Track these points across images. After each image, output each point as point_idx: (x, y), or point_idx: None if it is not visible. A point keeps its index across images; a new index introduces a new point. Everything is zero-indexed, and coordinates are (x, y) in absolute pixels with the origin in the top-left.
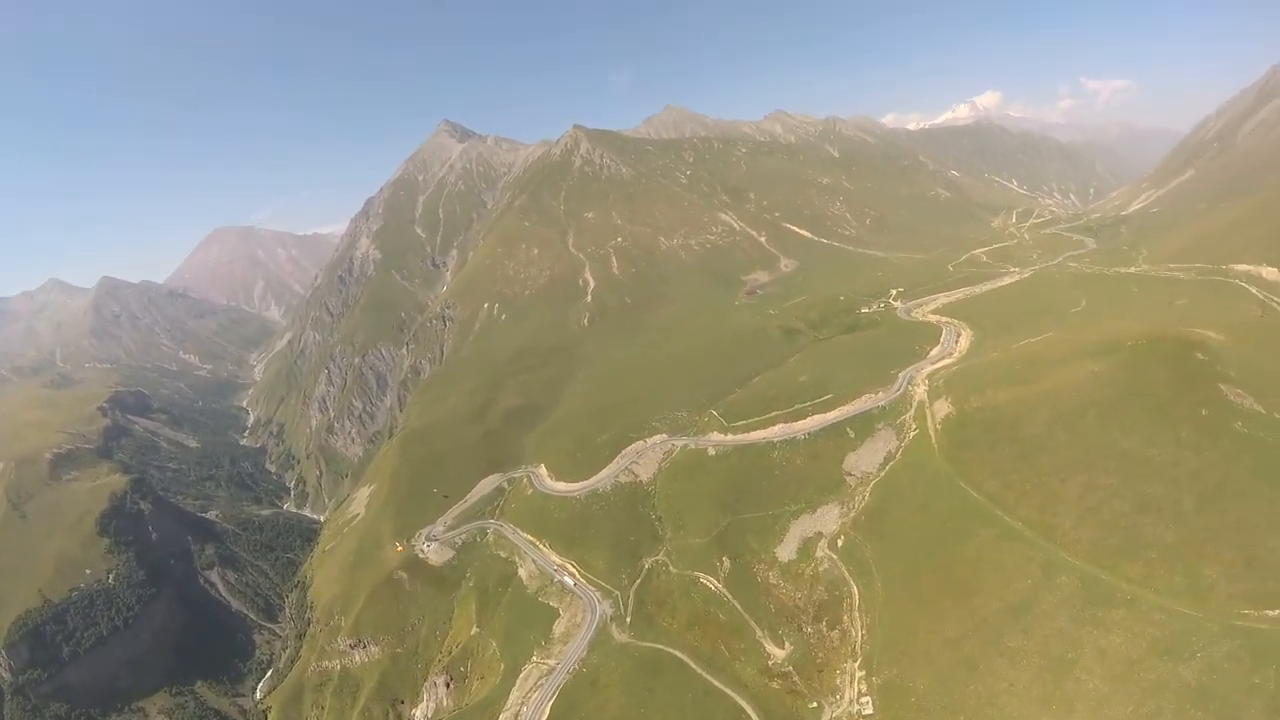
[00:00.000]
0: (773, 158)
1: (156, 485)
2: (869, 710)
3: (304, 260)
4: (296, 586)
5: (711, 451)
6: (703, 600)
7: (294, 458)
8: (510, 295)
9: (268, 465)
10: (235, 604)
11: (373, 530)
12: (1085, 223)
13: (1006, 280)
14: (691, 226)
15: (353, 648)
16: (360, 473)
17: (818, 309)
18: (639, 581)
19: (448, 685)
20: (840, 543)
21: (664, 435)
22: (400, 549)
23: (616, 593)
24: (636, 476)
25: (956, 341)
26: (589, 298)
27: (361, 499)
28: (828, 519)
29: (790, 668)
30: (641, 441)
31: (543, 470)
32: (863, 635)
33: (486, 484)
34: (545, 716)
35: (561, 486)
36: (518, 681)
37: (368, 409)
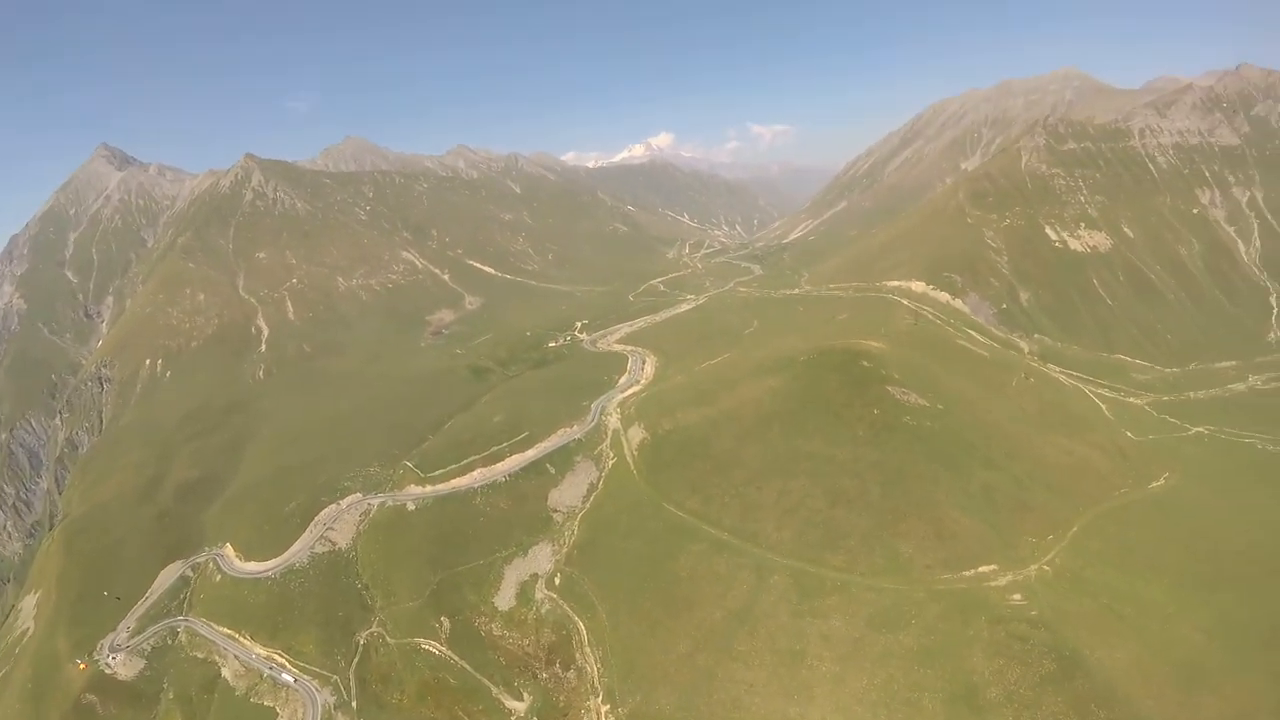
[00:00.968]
0: (455, 193)
1: None
2: None
3: None
4: None
5: (411, 506)
6: (428, 667)
7: None
8: (175, 348)
9: None
10: None
11: (47, 648)
12: (751, 251)
13: (684, 307)
14: (372, 265)
15: None
16: (24, 575)
17: (506, 346)
18: (356, 660)
19: None
20: (558, 581)
21: (358, 495)
22: (84, 666)
23: (335, 677)
24: (334, 544)
25: (643, 368)
26: (264, 347)
27: (29, 609)
28: (541, 559)
29: (535, 719)
30: (335, 505)
31: (229, 551)
32: (599, 669)
33: (168, 574)
34: None
35: (253, 567)
36: None
37: (22, 495)
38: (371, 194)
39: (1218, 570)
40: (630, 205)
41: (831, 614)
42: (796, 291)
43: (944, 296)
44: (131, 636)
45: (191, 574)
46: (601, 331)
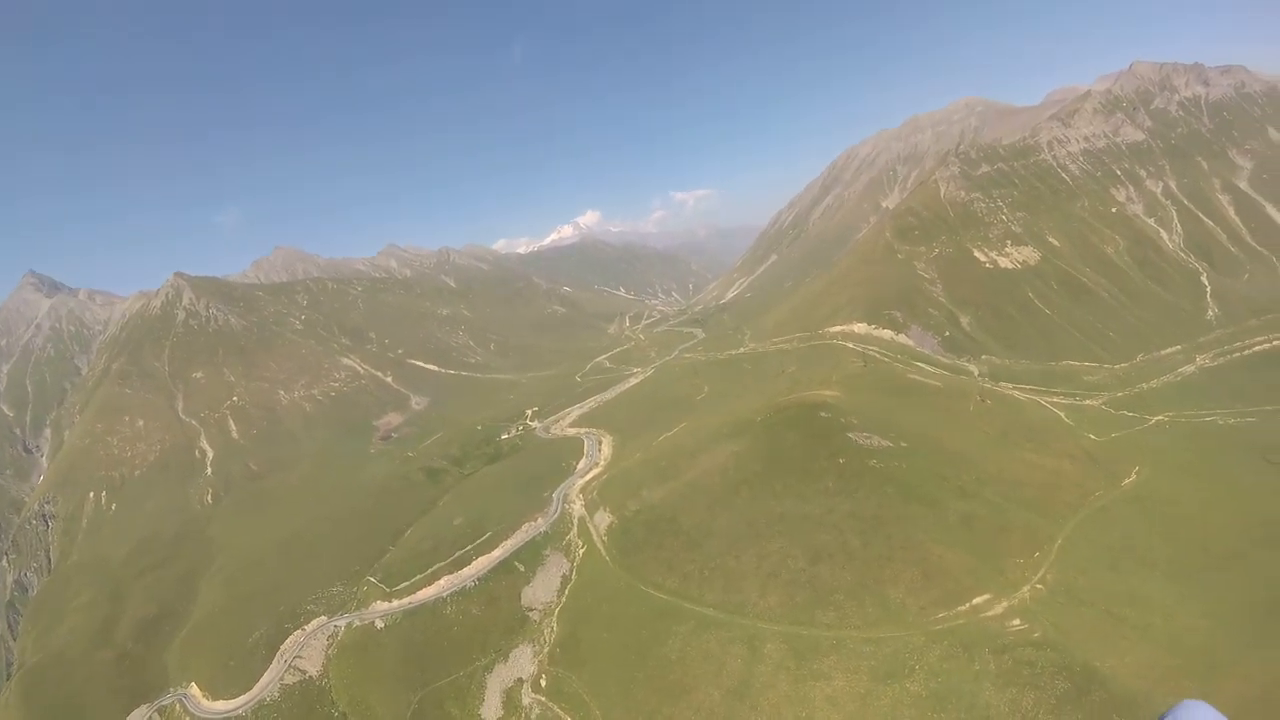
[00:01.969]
0: (390, 294)
1: None
2: None
3: None
4: None
5: (380, 624)
6: None
7: None
8: (118, 479)
9: None
10: None
11: None
12: (691, 316)
13: (633, 381)
14: (313, 375)
15: None
16: None
17: (457, 444)
18: None
19: None
20: (544, 683)
21: (323, 618)
22: None
23: None
24: (305, 673)
25: (600, 450)
26: (209, 470)
27: None
28: (523, 662)
29: None
30: (300, 631)
31: (195, 691)
32: None
33: None
34: None
35: (221, 706)
36: None
37: None
38: (306, 302)
39: (1207, 553)
40: (566, 286)
41: (833, 674)
42: (742, 350)
43: (887, 333)
44: None
45: (158, 718)
46: (553, 417)
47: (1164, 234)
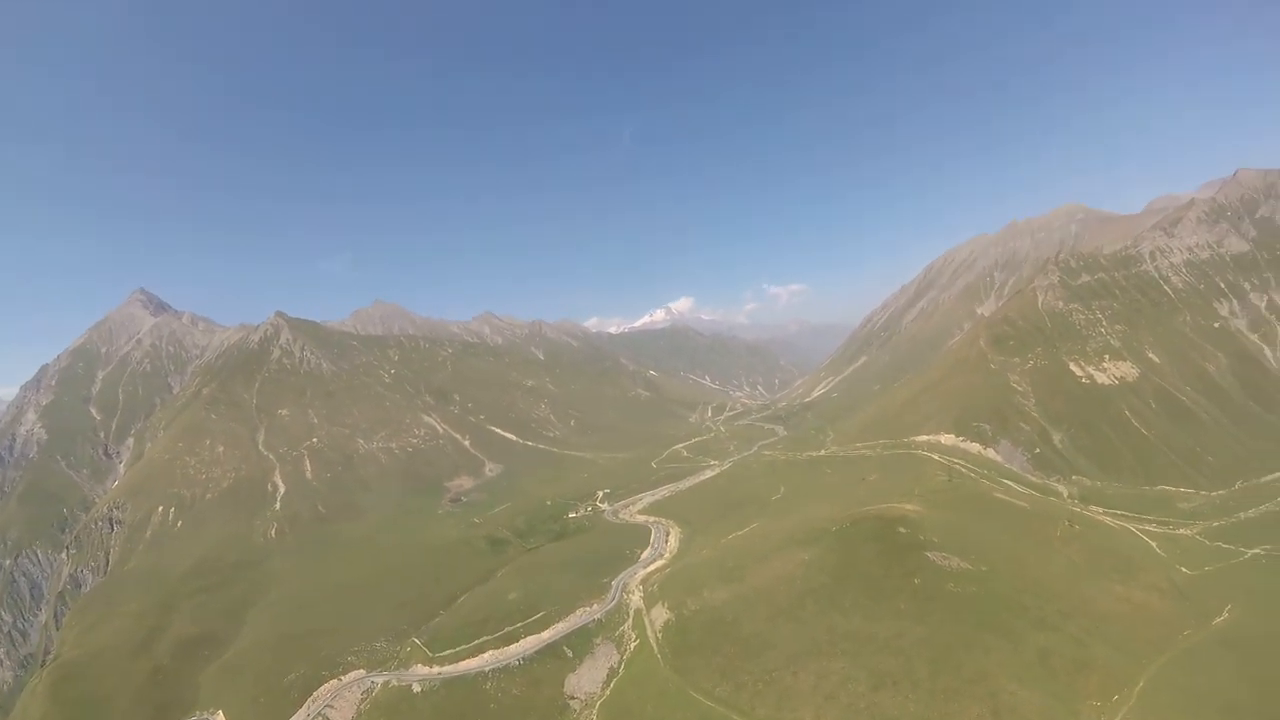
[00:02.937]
0: (479, 359)
1: None
2: None
3: None
4: None
5: (417, 688)
6: None
7: None
8: (189, 498)
9: None
10: None
11: None
12: (774, 412)
13: (708, 474)
14: (393, 428)
15: None
16: (10, 707)
17: (525, 516)
18: None
19: None
20: None
21: (362, 671)
22: None
23: None
24: None
25: (666, 541)
26: (278, 505)
27: None
28: None
29: None
30: (337, 680)
31: (221, 719)
32: None
33: None
34: None
35: None
36: None
37: (19, 625)
38: (397, 357)
39: None
40: (652, 370)
41: None
42: (823, 452)
43: (975, 447)
44: None
45: None
46: (624, 501)
47: (1267, 351)
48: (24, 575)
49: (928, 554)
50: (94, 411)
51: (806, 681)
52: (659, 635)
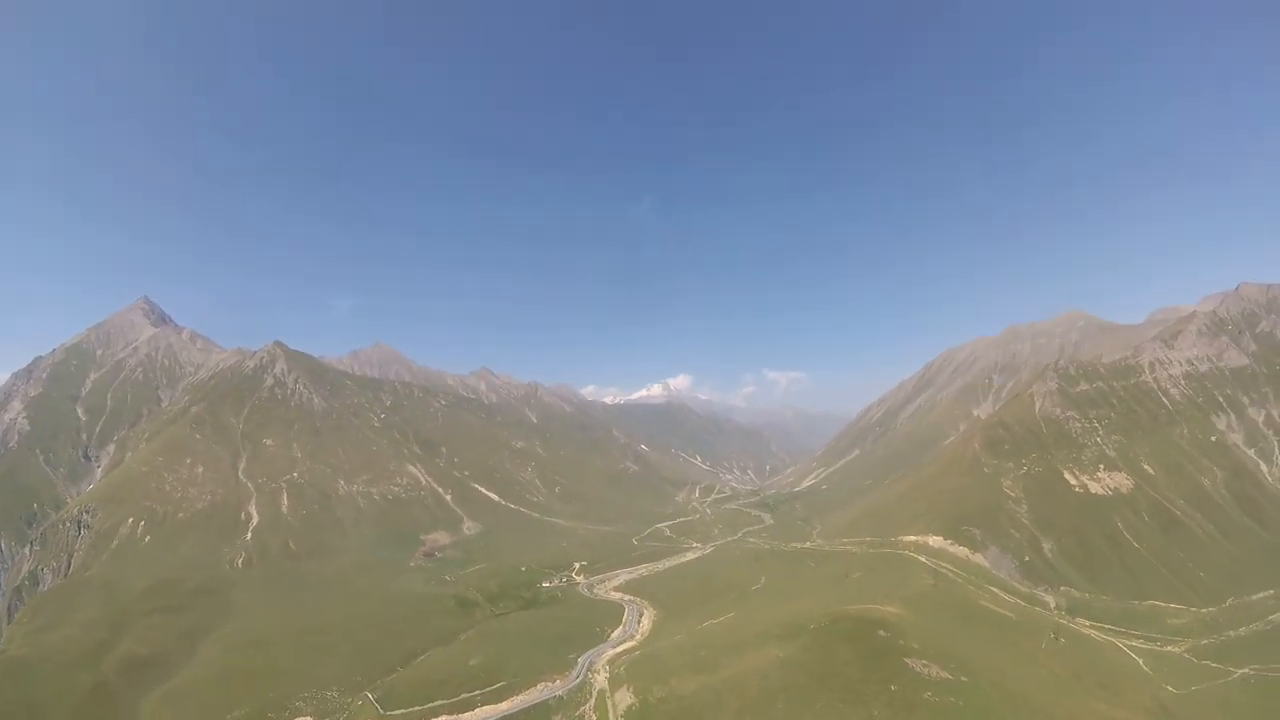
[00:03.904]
0: (472, 414)
1: None
2: None
3: None
4: None
5: None
6: None
7: None
8: (161, 514)
9: None
10: None
11: None
12: (763, 498)
13: (689, 556)
14: (376, 473)
15: None
16: None
17: (498, 579)
18: None
19: None
20: None
21: (308, 719)
22: None
23: None
24: None
25: (639, 622)
26: (250, 535)
27: None
28: None
29: None
30: None
31: None
32: None
33: None
34: None
35: None
36: None
37: None
38: (389, 402)
39: None
40: (644, 444)
41: None
42: (808, 545)
43: (963, 551)
44: None
45: None
46: (600, 575)
47: (1264, 467)
48: None
49: (907, 660)
50: (80, 412)
51: None
52: None
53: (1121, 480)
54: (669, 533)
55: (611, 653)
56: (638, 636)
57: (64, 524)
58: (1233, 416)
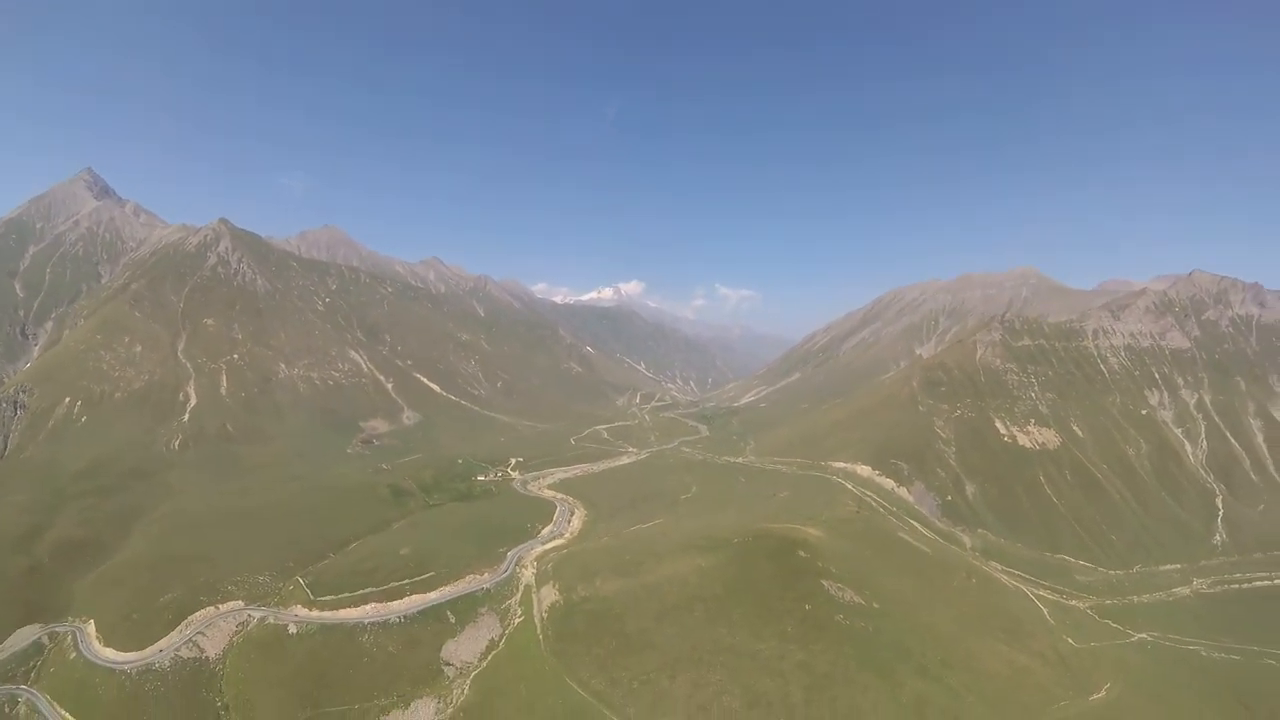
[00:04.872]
0: (418, 304)
1: None
2: None
3: None
4: None
5: (293, 629)
6: None
7: None
8: (98, 394)
9: None
10: None
11: None
12: (702, 410)
13: (624, 460)
14: (317, 358)
15: None
16: None
17: (433, 470)
18: None
19: None
20: None
21: (239, 602)
22: None
23: None
24: (202, 651)
25: (570, 521)
26: (187, 416)
27: None
28: (422, 715)
29: None
30: (213, 608)
31: (91, 629)
32: None
33: (23, 636)
34: None
35: (111, 655)
36: None
37: None
38: (335, 286)
39: None
40: (589, 347)
41: None
42: (740, 460)
43: (889, 483)
44: None
45: (48, 642)
46: (536, 472)
47: (1188, 447)
48: None
49: (823, 582)
50: (18, 288)
51: (681, 688)
52: (544, 616)
53: (1050, 437)
54: (607, 435)
55: (540, 550)
56: (567, 535)
57: (1, 404)
58: (1166, 395)
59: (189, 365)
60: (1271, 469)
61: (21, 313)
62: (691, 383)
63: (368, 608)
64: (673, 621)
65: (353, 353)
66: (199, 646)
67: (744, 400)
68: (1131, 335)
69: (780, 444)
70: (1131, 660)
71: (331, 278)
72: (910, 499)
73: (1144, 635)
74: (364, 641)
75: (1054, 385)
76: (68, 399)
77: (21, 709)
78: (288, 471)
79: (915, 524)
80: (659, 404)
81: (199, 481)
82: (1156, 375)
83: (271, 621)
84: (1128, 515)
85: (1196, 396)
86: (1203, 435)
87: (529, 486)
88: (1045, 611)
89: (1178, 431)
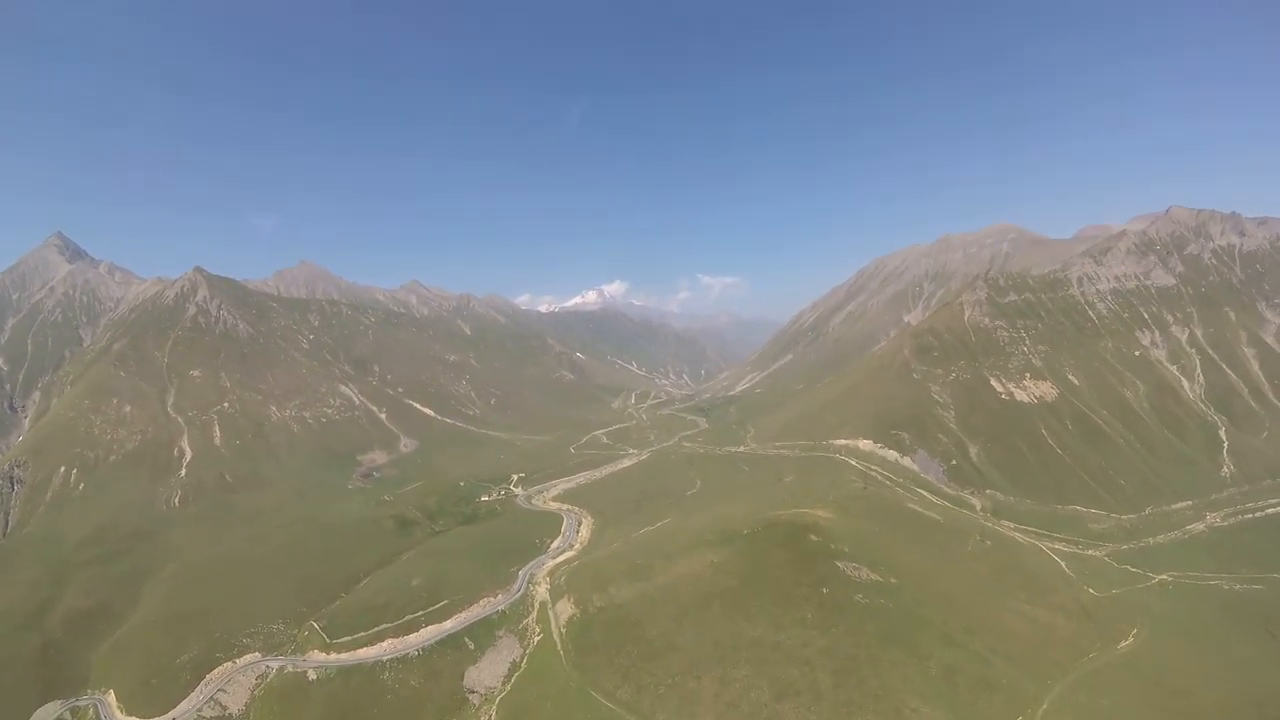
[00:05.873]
0: (403, 330)
1: None
2: None
3: None
4: None
5: (312, 675)
6: None
7: None
8: (92, 460)
9: None
10: None
11: None
12: (698, 403)
13: (626, 463)
14: (308, 397)
15: None
16: None
17: (436, 496)
18: None
19: None
20: None
21: (257, 654)
22: None
23: None
24: (225, 709)
25: (578, 531)
26: (184, 471)
27: None
28: None
29: None
30: (231, 663)
31: (112, 699)
32: None
33: (46, 715)
34: None
35: None
36: None
37: None
38: (317, 323)
39: None
40: (579, 353)
41: None
42: (742, 449)
43: (892, 455)
44: None
45: (70, 718)
46: (539, 486)
47: (1185, 383)
48: None
49: (838, 563)
50: (1, 362)
51: (709, 688)
52: (563, 631)
53: (1047, 389)
54: (606, 440)
55: (551, 564)
56: (576, 546)
57: None
58: (1157, 333)
59: (180, 419)
60: (1270, 395)
61: (7, 386)
62: (685, 376)
63: (385, 644)
64: (692, 621)
65: (343, 387)
66: (221, 704)
67: (739, 388)
68: (1116, 278)
69: (779, 428)
70: (1155, 603)
71: (313, 314)
72: (915, 468)
73: (1164, 576)
74: (385, 679)
75: (1045, 337)
76: (63, 468)
77: None
78: (290, 514)
79: (923, 492)
80: (655, 402)
81: (202, 535)
82: (1145, 315)
83: (290, 670)
84: (1133, 458)
85: (1188, 332)
86: (1198, 370)
87: (533, 501)
88: (1063, 564)
89: (1173, 369)
